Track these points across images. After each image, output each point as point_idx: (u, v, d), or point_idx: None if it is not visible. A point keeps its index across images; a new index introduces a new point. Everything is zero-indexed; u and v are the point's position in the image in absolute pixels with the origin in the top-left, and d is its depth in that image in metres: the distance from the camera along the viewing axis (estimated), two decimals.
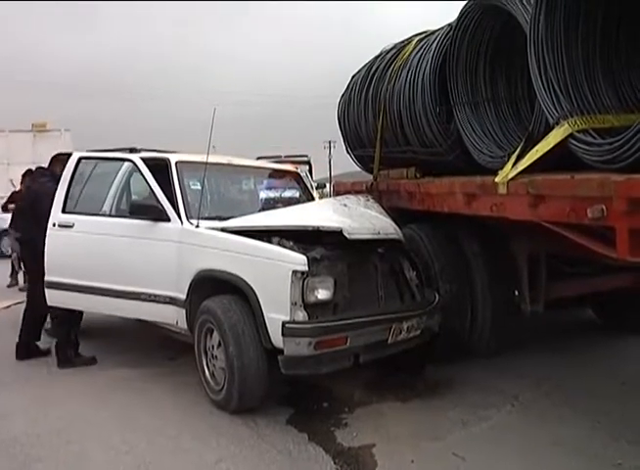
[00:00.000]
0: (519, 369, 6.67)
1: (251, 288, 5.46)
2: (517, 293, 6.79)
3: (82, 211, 7.35)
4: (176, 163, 6.87)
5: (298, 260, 5.29)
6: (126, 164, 7.52)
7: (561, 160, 4.77)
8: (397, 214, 7.15)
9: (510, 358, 6.92)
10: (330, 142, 67.58)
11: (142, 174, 6.85)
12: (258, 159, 18.59)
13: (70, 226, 7.19)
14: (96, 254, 7.06)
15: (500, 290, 6.73)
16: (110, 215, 7.42)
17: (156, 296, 6.47)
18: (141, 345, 7.88)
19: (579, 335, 8.14)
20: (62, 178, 7.43)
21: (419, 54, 7.32)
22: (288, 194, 8.32)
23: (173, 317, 6.35)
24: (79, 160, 7.50)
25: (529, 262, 6.71)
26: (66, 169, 7.49)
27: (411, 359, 6.51)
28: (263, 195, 8.24)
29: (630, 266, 5.78)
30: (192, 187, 6.99)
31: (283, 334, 5.19)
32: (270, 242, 5.68)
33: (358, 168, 9.83)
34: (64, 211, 7.32)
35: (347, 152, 9.66)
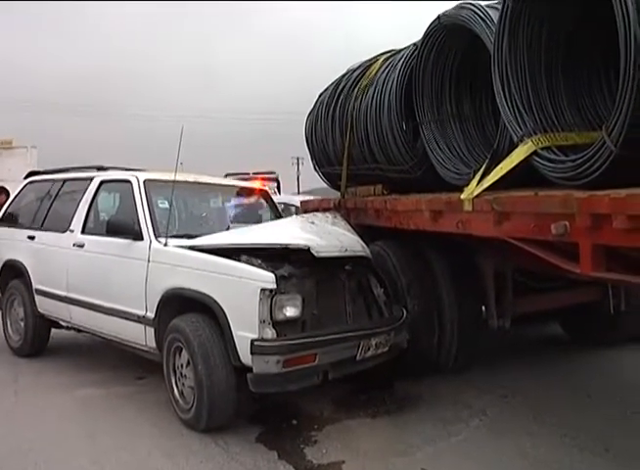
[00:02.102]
0: (486, 384, 6.71)
1: (220, 306, 5.45)
2: (484, 308, 6.87)
3: (51, 228, 7.67)
4: (144, 181, 6.88)
5: (267, 278, 5.30)
6: (94, 181, 7.60)
7: (527, 176, 4.82)
8: (365, 231, 7.18)
9: (478, 373, 6.97)
10: (298, 159, 67.54)
11: (111, 193, 6.90)
12: (227, 175, 18.62)
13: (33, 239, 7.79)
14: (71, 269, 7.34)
15: (467, 306, 6.78)
16: (83, 232, 7.45)
17: (125, 313, 6.46)
18: (109, 364, 7.81)
19: (546, 349, 8.22)
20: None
21: (385, 72, 7.38)
22: (256, 211, 8.33)
23: (142, 335, 6.31)
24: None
25: (496, 278, 6.79)
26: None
27: (380, 376, 6.54)
28: (231, 213, 8.24)
29: (595, 281, 5.87)
30: (160, 205, 6.98)
31: (252, 352, 5.18)
32: (238, 260, 5.67)
33: (326, 185, 9.86)
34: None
35: (315, 169, 9.69)
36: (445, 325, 6.76)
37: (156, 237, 6.35)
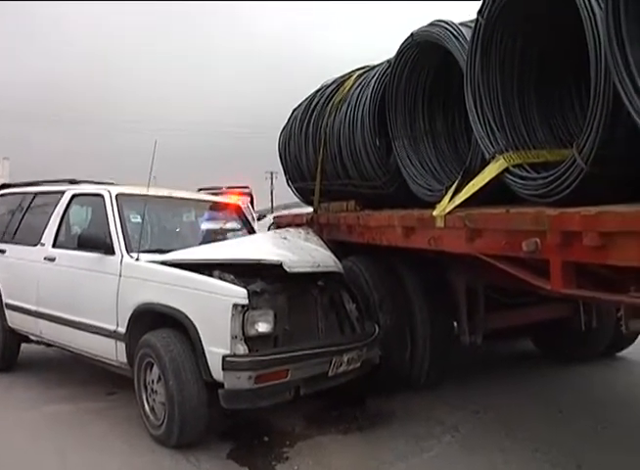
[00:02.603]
0: (459, 400, 6.72)
1: (192, 321, 5.43)
2: (456, 324, 6.89)
3: (22, 242, 7.72)
4: (116, 195, 6.85)
5: (239, 294, 5.29)
6: (66, 195, 7.57)
7: (500, 193, 4.85)
8: (337, 247, 7.21)
9: (450, 389, 6.97)
10: (272, 173, 67.58)
11: (83, 206, 6.87)
12: (200, 190, 18.60)
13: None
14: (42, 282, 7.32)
15: (439, 321, 6.79)
16: (54, 246, 7.40)
17: (96, 328, 6.42)
18: (79, 379, 7.73)
19: (518, 365, 8.26)
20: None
21: (359, 89, 7.40)
22: (228, 226, 8.32)
23: (113, 351, 6.27)
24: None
25: (468, 294, 6.82)
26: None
27: (352, 391, 6.53)
28: (204, 227, 8.22)
29: (566, 297, 5.91)
30: (132, 220, 6.96)
31: (223, 368, 5.17)
32: (211, 275, 5.66)
33: (300, 201, 9.86)
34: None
35: (288, 184, 9.71)
36: (418, 341, 6.76)
37: (127, 251, 6.33)
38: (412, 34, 6.20)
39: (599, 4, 3.71)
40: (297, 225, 8.34)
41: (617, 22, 3.49)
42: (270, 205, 61.95)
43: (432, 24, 5.90)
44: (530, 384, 7.30)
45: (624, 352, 8.27)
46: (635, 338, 7.62)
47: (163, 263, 6.01)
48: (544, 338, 8.43)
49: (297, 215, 9.44)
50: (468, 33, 5.27)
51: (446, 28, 5.65)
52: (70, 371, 8.10)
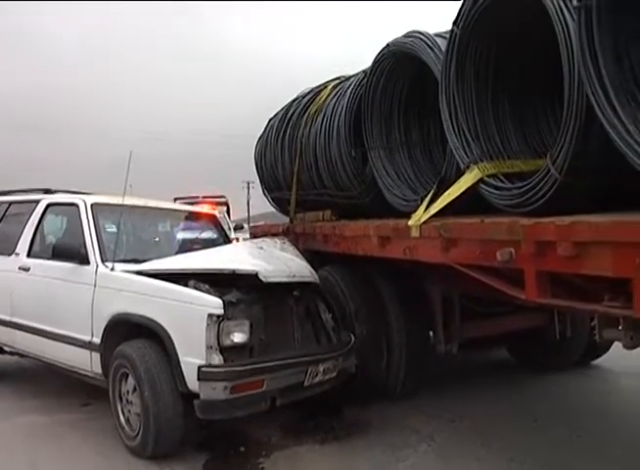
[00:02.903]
0: (434, 409, 6.73)
1: (167, 332, 5.41)
2: (431, 333, 6.91)
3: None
4: (91, 205, 6.84)
5: (214, 304, 5.28)
6: (41, 204, 7.54)
7: (475, 202, 4.86)
8: (313, 257, 7.22)
9: (426, 398, 6.98)
10: (248, 183, 67.36)
11: (58, 216, 6.84)
12: (176, 199, 18.55)
13: None
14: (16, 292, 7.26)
15: (415, 331, 6.80)
16: (29, 256, 7.36)
17: (71, 338, 6.38)
18: (53, 390, 7.67)
19: (494, 374, 8.29)
20: None
21: (335, 99, 7.43)
22: (204, 236, 8.30)
23: (88, 361, 6.23)
24: None
25: (443, 304, 6.84)
26: None
27: (328, 401, 6.52)
28: (180, 237, 8.19)
29: (541, 307, 5.94)
30: (107, 229, 6.93)
31: (199, 378, 5.16)
32: (186, 285, 5.65)
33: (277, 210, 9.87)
34: None
35: (264, 194, 9.71)
36: (393, 351, 6.77)
37: (102, 261, 6.32)
38: (388, 45, 6.23)
39: (572, 16, 3.75)
40: (274, 235, 8.35)
41: (590, 34, 3.53)
42: (247, 214, 61.90)
43: (407, 35, 5.94)
44: (506, 393, 7.33)
45: (599, 361, 8.30)
46: (610, 346, 7.65)
47: (139, 273, 5.99)
48: (519, 347, 8.48)
49: (273, 225, 9.44)
50: (443, 44, 5.30)
51: (421, 39, 5.69)
52: (45, 382, 8.04)
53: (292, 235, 8.05)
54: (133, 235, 7.78)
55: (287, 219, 8.82)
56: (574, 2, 3.69)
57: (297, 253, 6.90)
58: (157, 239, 8.26)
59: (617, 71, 3.51)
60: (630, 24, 3.57)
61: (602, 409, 6.79)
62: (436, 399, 7.01)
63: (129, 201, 7.03)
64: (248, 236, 12.36)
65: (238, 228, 18.73)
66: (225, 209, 23.20)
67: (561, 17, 3.89)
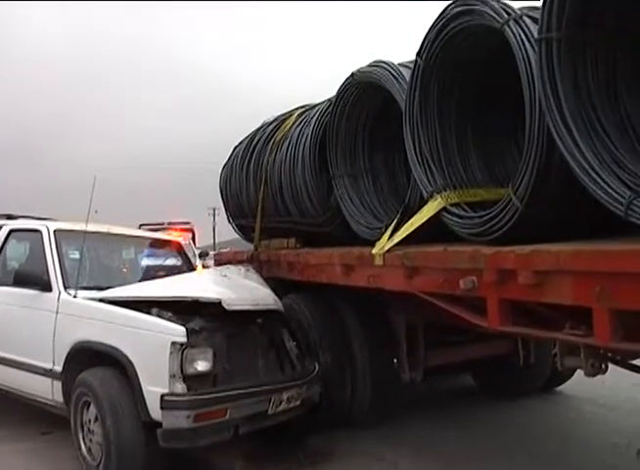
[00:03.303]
0: (399, 437, 6.71)
1: (130, 360, 5.36)
2: (396, 361, 6.91)
3: None
4: (54, 231, 6.79)
5: (177, 332, 5.25)
6: (3, 230, 7.51)
7: (441, 230, 4.88)
8: (278, 284, 7.21)
9: (390, 426, 6.95)
10: (214, 209, 67.15)
11: (21, 242, 6.77)
12: (141, 226, 18.46)
13: None
14: None
15: (379, 359, 6.80)
16: None
17: (32, 366, 6.31)
18: (12, 419, 7.56)
19: (459, 400, 8.29)
20: None
21: (300, 127, 7.46)
22: (168, 263, 8.26)
23: (49, 390, 6.16)
24: None
25: (408, 332, 6.85)
26: None
27: (292, 430, 6.48)
28: (144, 264, 8.16)
29: (504, 334, 5.97)
30: (70, 256, 6.88)
31: (161, 407, 5.11)
32: (149, 313, 5.62)
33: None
34: None
35: (229, 221, 9.70)
36: (358, 378, 6.76)
37: (65, 288, 6.27)
38: (353, 74, 6.27)
39: (533, 48, 3.81)
40: (238, 262, 8.33)
41: (551, 66, 3.60)
42: (213, 241, 61.70)
43: (372, 65, 5.99)
44: (471, 419, 7.33)
45: (562, 387, 8.35)
46: (573, 373, 7.70)
47: (102, 300, 5.96)
48: (484, 374, 8.49)
49: (237, 252, 9.42)
50: (407, 74, 5.35)
51: (386, 69, 5.75)
52: (4, 411, 7.91)
53: (256, 263, 8.03)
54: (97, 262, 7.72)
55: (252, 247, 8.81)
56: (536, 34, 3.76)
57: (262, 280, 6.89)
58: (120, 266, 8.20)
59: (577, 103, 3.57)
60: (590, 57, 3.65)
61: (565, 435, 6.82)
62: (401, 426, 7.00)
63: (93, 227, 7.00)
64: (212, 263, 12.31)
65: (203, 255, 18.68)
66: (190, 235, 23.14)
67: (522, 48, 3.97)
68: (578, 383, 7.79)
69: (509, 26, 4.07)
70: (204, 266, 11.88)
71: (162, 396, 5.11)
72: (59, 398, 6.08)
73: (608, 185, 3.33)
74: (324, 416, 6.64)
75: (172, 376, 5.14)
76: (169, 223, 24.22)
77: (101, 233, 7.44)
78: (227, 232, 10.17)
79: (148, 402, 5.24)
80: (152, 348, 5.33)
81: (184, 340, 5.21)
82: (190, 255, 8.98)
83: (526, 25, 4.01)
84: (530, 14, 4.11)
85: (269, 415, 5.75)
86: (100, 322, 5.78)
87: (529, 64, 3.90)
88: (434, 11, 4.89)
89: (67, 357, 5.94)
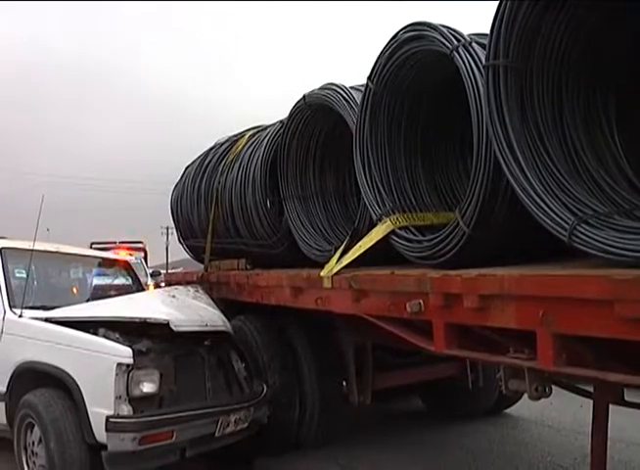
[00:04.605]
0: (347, 458, 6.73)
1: (75, 381, 5.30)
2: (344, 384, 6.91)
3: None
4: (0, 249, 6.73)
5: (123, 353, 5.20)
6: None
7: (392, 253, 4.89)
8: (228, 306, 7.20)
9: (339, 448, 6.95)
10: (167, 228, 66.69)
11: None
12: (92, 244, 18.28)
13: None
14: None
15: (328, 381, 6.81)
16: None
17: None
18: None
19: (408, 423, 8.31)
20: None
21: (251, 148, 7.47)
22: (117, 283, 8.19)
23: None
24: None
25: (356, 354, 6.86)
26: None
27: (240, 452, 6.43)
28: (92, 284, 8.08)
29: (452, 357, 6.00)
30: (17, 275, 6.78)
31: (107, 429, 5.05)
32: (96, 333, 5.56)
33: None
34: None
35: (180, 242, 9.66)
36: (306, 401, 6.75)
37: (10, 308, 6.20)
38: (304, 97, 6.30)
39: (482, 74, 3.86)
40: (188, 283, 8.29)
41: (497, 92, 3.65)
42: (166, 260, 61.28)
43: (323, 88, 6.02)
44: (419, 441, 7.35)
45: (511, 409, 8.40)
46: (521, 395, 7.77)
47: (48, 320, 5.88)
48: (432, 396, 8.53)
49: (187, 273, 9.39)
50: (358, 97, 5.38)
51: (337, 92, 5.78)
52: None
53: (206, 283, 8.00)
54: (44, 281, 7.65)
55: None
56: (484, 61, 3.81)
57: (210, 301, 6.86)
58: (69, 285, 8.11)
59: (523, 129, 3.62)
60: (536, 84, 3.70)
61: (513, 457, 6.85)
62: (350, 448, 7.00)
63: (41, 246, 6.91)
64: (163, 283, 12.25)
65: (155, 275, 18.57)
66: (142, 254, 22.98)
67: (471, 75, 4.02)
68: (526, 405, 7.86)
69: (458, 53, 4.12)
70: (155, 286, 11.83)
71: (108, 417, 5.05)
72: (2, 419, 6.00)
73: (552, 211, 3.38)
74: (272, 438, 6.61)
75: (118, 398, 5.09)
76: (121, 242, 24.06)
77: (49, 252, 7.35)
78: (180, 252, 10.10)
79: (93, 424, 5.18)
80: (97, 369, 5.27)
81: (130, 361, 5.17)
82: (141, 274, 8.91)
83: (475, 52, 4.07)
84: (480, 40, 4.16)
85: (216, 437, 5.70)
86: (45, 343, 5.70)
87: (478, 90, 3.95)
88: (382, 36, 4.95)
89: (11, 378, 5.87)
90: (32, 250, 6.43)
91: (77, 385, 5.28)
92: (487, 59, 3.73)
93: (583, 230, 3.21)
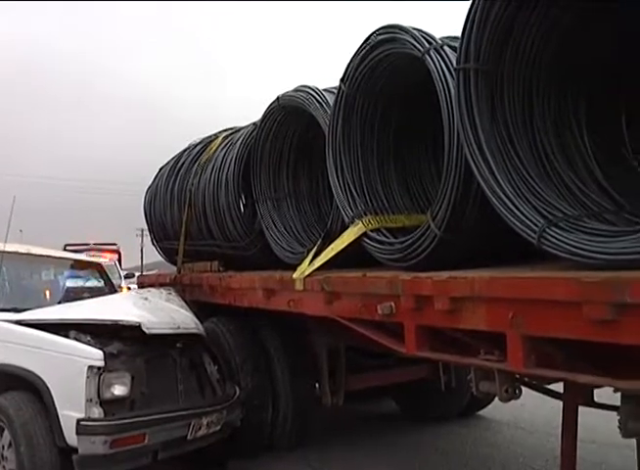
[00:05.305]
0: (320, 461, 6.73)
1: (45, 384, 5.26)
2: (317, 385, 6.91)
3: None
4: None
5: (94, 355, 5.18)
6: None
7: (365, 255, 4.89)
8: (201, 308, 7.18)
9: (312, 450, 6.96)
10: (142, 230, 66.33)
11: None
12: (66, 246, 18.16)
13: None
14: None
15: (301, 383, 6.80)
16: None
17: None
18: None
19: (381, 424, 8.32)
20: None
21: (224, 150, 7.47)
22: (90, 285, 8.14)
23: None
24: None
25: (329, 356, 6.88)
26: None
27: (213, 454, 6.41)
28: (64, 286, 8.01)
29: (424, 359, 6.02)
30: None
31: (77, 432, 5.02)
32: (67, 336, 5.52)
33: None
34: None
35: (153, 244, 9.62)
36: (279, 402, 6.75)
37: None
38: (278, 98, 6.31)
39: (453, 77, 3.87)
40: (161, 285, 8.26)
41: (468, 95, 3.66)
42: (140, 262, 60.99)
43: (297, 89, 6.02)
44: (392, 443, 7.36)
45: (484, 411, 8.43)
46: (494, 397, 7.80)
47: (18, 323, 5.85)
48: (405, 397, 8.55)
49: (160, 275, 9.35)
50: (331, 99, 5.39)
51: (310, 94, 5.78)
52: None
53: (179, 286, 7.97)
54: (15, 283, 7.55)
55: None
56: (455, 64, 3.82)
57: (183, 304, 6.84)
58: (40, 287, 8.04)
59: (493, 132, 3.63)
60: (507, 88, 3.72)
61: (486, 459, 6.87)
62: (323, 449, 7.01)
63: (11, 247, 6.86)
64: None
65: (129, 277, 18.51)
66: (117, 256, 22.89)
67: (442, 78, 4.04)
68: (499, 407, 7.88)
69: (429, 56, 4.13)
70: (129, 288, 11.76)
71: (79, 420, 5.03)
72: None
73: (522, 213, 3.39)
74: (245, 441, 6.59)
75: (89, 400, 5.06)
76: (95, 244, 23.95)
77: (19, 253, 7.27)
78: (155, 254, 10.04)
79: (63, 428, 5.15)
80: (68, 371, 5.24)
81: (101, 364, 5.15)
82: (115, 276, 8.86)
83: (447, 55, 4.09)
84: (452, 43, 4.17)
85: (189, 440, 5.69)
86: (16, 345, 5.67)
87: (449, 93, 3.96)
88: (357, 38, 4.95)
89: None
90: (3, 252, 6.38)
91: (48, 388, 5.25)
92: (458, 62, 3.74)
93: (553, 233, 3.22)
